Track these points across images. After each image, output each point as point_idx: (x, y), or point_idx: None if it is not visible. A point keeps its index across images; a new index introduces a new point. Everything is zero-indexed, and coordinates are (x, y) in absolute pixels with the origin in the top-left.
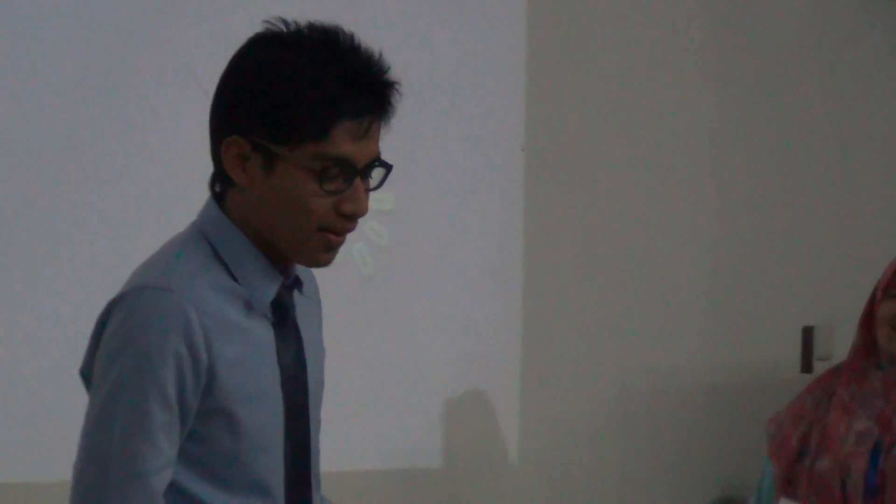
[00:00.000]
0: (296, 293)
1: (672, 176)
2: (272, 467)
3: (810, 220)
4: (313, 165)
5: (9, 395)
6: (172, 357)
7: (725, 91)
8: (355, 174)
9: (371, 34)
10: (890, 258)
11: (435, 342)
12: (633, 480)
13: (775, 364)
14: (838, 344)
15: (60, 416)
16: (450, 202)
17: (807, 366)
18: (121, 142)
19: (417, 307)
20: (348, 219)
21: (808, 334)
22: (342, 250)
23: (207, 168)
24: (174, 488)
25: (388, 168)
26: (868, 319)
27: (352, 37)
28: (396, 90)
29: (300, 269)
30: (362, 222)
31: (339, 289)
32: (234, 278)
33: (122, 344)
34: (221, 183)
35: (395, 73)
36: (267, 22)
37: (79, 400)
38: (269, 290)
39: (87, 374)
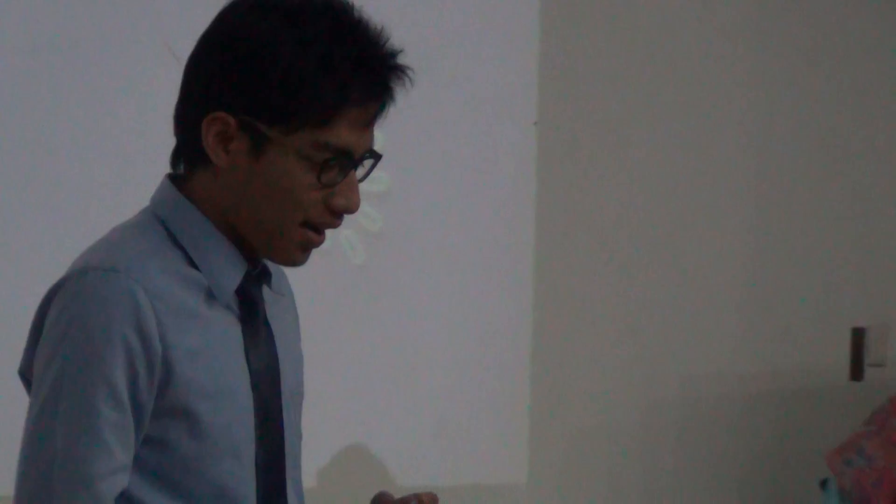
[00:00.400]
0: (265, 289)
1: (704, 154)
2: (241, 476)
3: (862, 207)
4: (311, 154)
5: None
6: (121, 346)
7: (769, 56)
8: (352, 166)
9: None
10: None
11: (432, 343)
12: (659, 502)
13: (821, 371)
14: (894, 348)
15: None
16: (451, 183)
17: (857, 372)
18: (84, 112)
19: (413, 303)
20: (336, 215)
21: (858, 337)
22: (328, 236)
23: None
24: (127, 500)
25: (378, 158)
26: None
27: (354, 8)
28: (409, 77)
29: (269, 263)
30: None
31: (323, 281)
32: (194, 266)
33: (62, 334)
34: (189, 162)
35: (404, 56)
36: None
37: (20, 405)
38: (233, 276)
39: (27, 375)
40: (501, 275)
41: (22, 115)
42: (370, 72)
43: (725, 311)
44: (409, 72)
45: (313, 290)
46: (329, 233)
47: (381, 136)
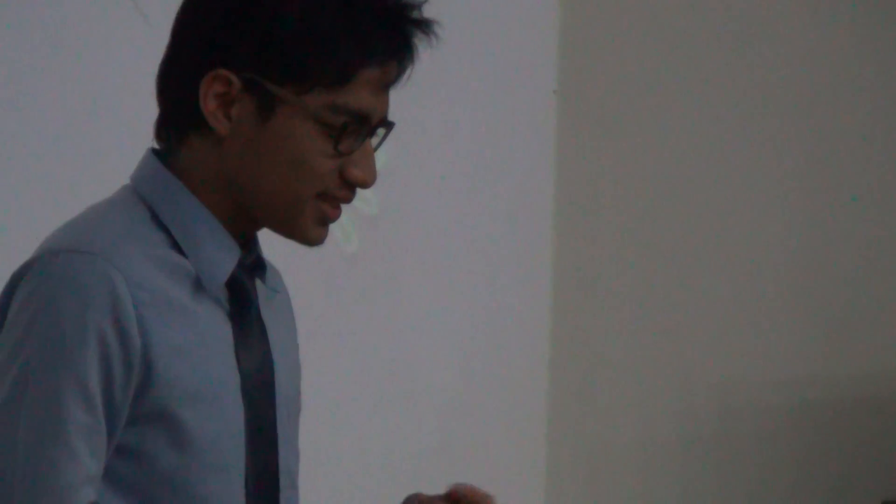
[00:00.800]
0: (259, 284)
1: (747, 127)
2: (229, 494)
3: None
4: (327, 117)
5: None
6: (94, 338)
7: (825, 20)
8: (369, 133)
9: None
10: None
11: (437, 341)
12: None
13: (881, 377)
14: None
15: None
16: (461, 158)
17: None
18: (34, 80)
19: (413, 298)
20: (350, 187)
21: None
22: None
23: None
24: None
25: (391, 127)
26: None
27: None
28: (436, 34)
29: (263, 256)
30: None
31: (313, 271)
32: (180, 251)
33: (28, 324)
34: (179, 130)
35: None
36: None
37: None
38: (224, 262)
39: None
40: (515, 263)
41: None
42: (394, 26)
43: (775, 307)
44: (435, 28)
45: (297, 283)
46: None
47: None
